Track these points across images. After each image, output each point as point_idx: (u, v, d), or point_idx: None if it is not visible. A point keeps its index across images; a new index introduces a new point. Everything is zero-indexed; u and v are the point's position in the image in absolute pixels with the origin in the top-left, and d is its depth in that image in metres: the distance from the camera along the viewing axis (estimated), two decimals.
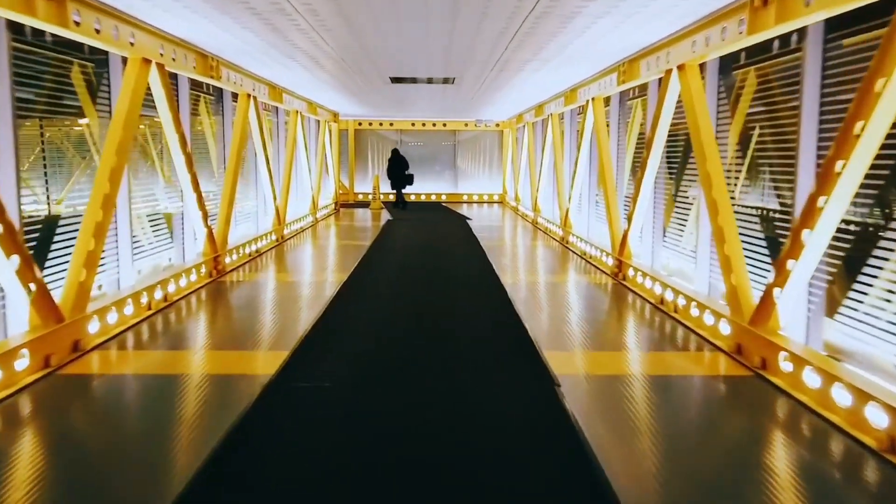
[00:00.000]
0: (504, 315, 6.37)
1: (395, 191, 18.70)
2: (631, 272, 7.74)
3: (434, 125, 21.54)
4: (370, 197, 19.06)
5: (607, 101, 9.90)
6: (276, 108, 12.95)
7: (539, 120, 15.70)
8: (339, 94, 13.02)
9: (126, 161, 5.73)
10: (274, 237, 11.01)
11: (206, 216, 7.73)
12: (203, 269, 7.65)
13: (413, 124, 21.48)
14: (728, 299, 5.32)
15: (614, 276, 8.22)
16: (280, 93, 11.26)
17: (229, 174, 8.68)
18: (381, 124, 21.46)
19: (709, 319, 5.62)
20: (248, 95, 9.37)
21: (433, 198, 21.79)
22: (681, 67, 6.26)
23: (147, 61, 6.10)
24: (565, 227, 11.39)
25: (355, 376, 4.56)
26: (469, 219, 16.17)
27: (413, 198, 21.73)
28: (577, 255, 10.15)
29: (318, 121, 16.41)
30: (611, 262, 8.57)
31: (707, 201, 5.68)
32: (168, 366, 4.84)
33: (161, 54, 6.43)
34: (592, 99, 9.60)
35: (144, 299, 6.14)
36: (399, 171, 18.44)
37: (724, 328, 5.32)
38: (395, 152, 18.68)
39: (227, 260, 8.53)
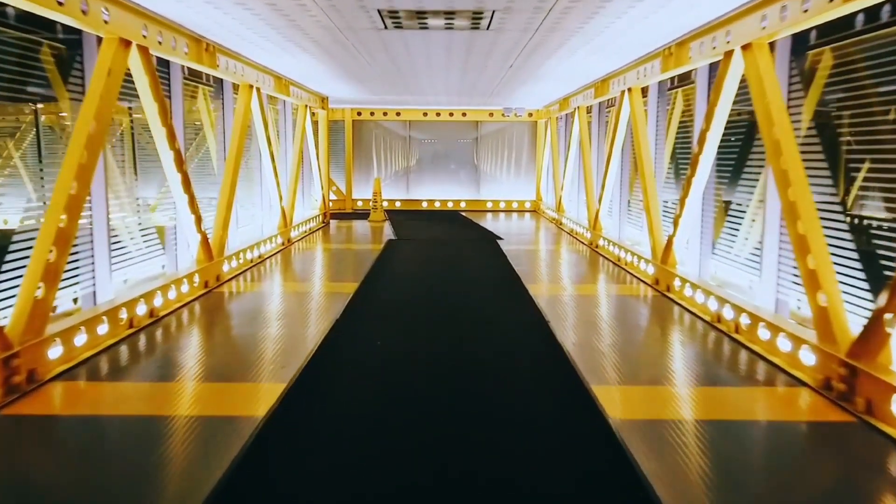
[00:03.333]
0: None
1: None
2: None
3: (451, 115, 17.33)
4: (371, 205, 14.92)
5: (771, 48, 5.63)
6: (224, 83, 8.81)
7: (597, 102, 11.45)
8: (308, 57, 8.85)
9: None
10: (198, 281, 6.84)
11: None
12: None
13: (425, 114, 17.28)
14: None
15: (832, 390, 3.98)
16: (210, 52, 7.10)
17: (60, 180, 4.50)
18: (385, 114, 17.28)
19: None
20: (128, 45, 5.21)
21: (450, 205, 17.57)
22: None
23: None
24: (665, 263, 7.13)
25: None
26: (499, 238, 11.95)
27: (425, 205, 17.53)
28: (698, 317, 5.91)
29: (298, 106, 12.22)
30: (813, 359, 4.31)
31: None
32: None
33: None
34: (743, 47, 5.34)
35: None
36: None
37: None
38: None
39: (81, 338, 4.37)
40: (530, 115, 17.23)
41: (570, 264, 9.33)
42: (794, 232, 4.54)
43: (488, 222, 15.07)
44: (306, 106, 12.11)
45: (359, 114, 17.24)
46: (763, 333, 4.93)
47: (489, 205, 17.61)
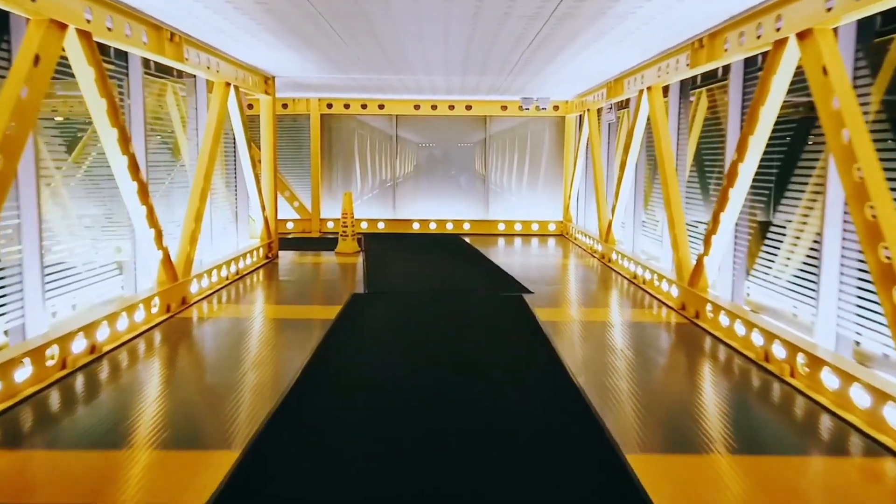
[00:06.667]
0: None
1: None
2: None
3: (451, 108, 13.10)
4: (341, 229, 10.65)
5: None
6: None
7: (675, 83, 7.29)
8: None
9: None
10: None
11: None
12: None
13: (417, 107, 13.05)
14: None
15: None
16: None
17: None
18: (363, 106, 13.05)
19: None
20: None
21: (449, 226, 13.32)
22: None
23: None
24: None
25: None
26: (526, 290, 7.69)
27: (417, 227, 13.28)
28: None
29: (216, 84, 7.92)
30: None
31: None
32: None
33: None
34: None
35: None
36: None
37: None
38: None
39: None
40: (556, 108, 13.01)
41: (676, 369, 5.05)
42: None
43: (501, 253, 10.83)
44: (229, 84, 7.85)
45: (329, 106, 13.01)
46: None
47: (501, 226, 13.35)
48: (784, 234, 5.52)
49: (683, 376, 4.74)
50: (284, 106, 12.85)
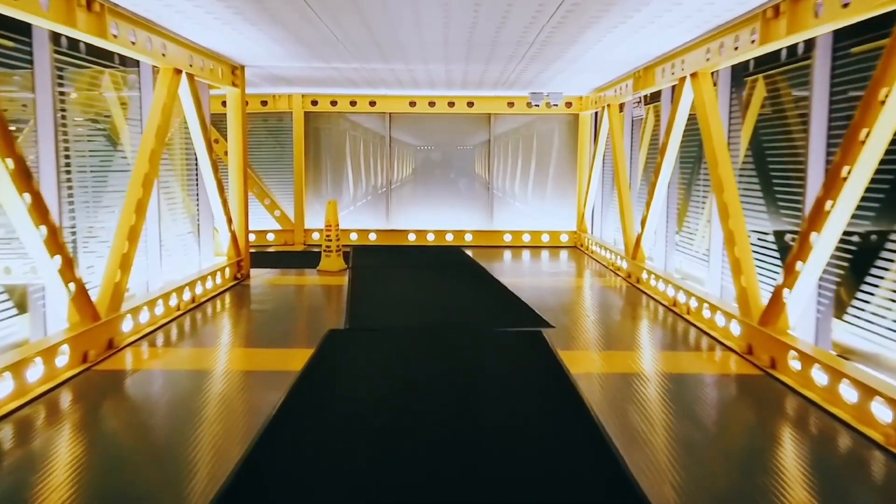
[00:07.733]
0: None
1: None
2: None
3: (451, 105, 11.68)
4: (324, 242, 9.21)
5: None
6: None
7: (725, 69, 5.88)
8: None
9: None
10: None
11: None
12: None
13: (413, 104, 11.64)
14: None
15: None
16: None
17: None
18: (352, 103, 11.63)
19: None
20: None
21: (449, 238, 11.89)
22: None
23: None
24: None
25: None
26: (547, 324, 6.25)
27: (413, 238, 11.85)
28: None
29: (161, 70, 6.45)
30: None
31: None
32: None
33: None
34: None
35: None
36: None
37: None
38: None
39: None
40: (569, 104, 11.59)
41: (774, 463, 3.63)
42: None
43: (508, 269, 9.41)
44: (179, 72, 6.41)
45: (314, 103, 11.60)
46: None
47: (507, 238, 11.92)
48: (891, 256, 4.11)
49: (785, 476, 3.30)
50: (264, 103, 11.46)
